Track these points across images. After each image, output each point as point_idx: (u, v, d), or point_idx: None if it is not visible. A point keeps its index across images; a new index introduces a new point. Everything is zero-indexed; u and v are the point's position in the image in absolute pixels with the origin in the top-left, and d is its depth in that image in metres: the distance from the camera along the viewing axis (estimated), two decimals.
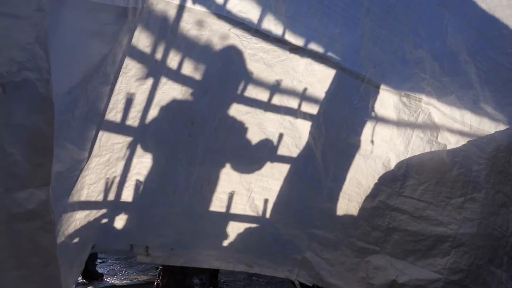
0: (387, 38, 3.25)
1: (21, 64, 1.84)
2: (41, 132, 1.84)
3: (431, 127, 3.39)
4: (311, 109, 3.37)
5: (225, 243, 3.40)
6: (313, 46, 3.15)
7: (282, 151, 3.36)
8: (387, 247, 3.29)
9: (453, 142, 3.37)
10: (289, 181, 3.39)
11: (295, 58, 3.14)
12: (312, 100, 3.33)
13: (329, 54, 3.18)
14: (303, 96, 3.31)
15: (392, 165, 3.42)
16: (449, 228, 3.16)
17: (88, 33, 2.27)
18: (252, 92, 3.17)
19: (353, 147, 3.44)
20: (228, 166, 3.28)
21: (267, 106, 3.23)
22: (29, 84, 1.84)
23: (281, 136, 3.33)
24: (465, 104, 3.38)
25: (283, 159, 3.39)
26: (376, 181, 3.41)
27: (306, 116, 3.34)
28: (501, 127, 3.42)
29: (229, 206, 3.35)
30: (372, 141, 3.45)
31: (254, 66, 3.07)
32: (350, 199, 3.46)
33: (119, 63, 2.54)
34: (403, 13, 3.20)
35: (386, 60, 3.30)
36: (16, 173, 1.81)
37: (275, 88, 3.22)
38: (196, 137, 3.11)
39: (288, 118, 3.32)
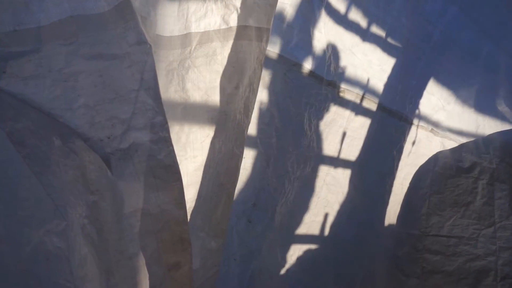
0: (424, 70, 3.01)
1: (126, 122, 1.25)
2: (172, 219, 1.22)
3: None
4: (352, 156, 2.89)
5: None
6: (358, 87, 2.72)
7: (320, 205, 2.76)
8: None
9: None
10: (329, 245, 2.84)
11: (343, 101, 2.67)
12: (354, 146, 2.87)
13: (372, 94, 2.79)
14: (346, 143, 2.84)
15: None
16: (488, 261, 3.04)
17: None
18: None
19: (388, 192, 3.13)
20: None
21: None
22: (142, 149, 1.24)
23: (321, 192, 2.75)
24: (495, 134, 3.26)
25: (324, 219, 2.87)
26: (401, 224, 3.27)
27: (347, 165, 2.87)
28: None
29: None
30: (403, 182, 3.22)
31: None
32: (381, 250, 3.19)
33: None
34: (441, 42, 2.98)
35: (422, 94, 3.09)
36: (146, 283, 1.20)
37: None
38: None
39: (331, 172, 2.77)
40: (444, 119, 3.26)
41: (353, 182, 2.86)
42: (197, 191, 1.75)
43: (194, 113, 1.67)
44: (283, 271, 2.56)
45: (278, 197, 2.39)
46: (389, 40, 2.76)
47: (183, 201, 1.28)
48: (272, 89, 2.23)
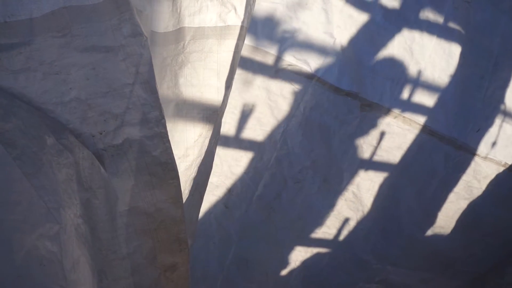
0: (491, 91, 2.51)
1: (120, 117, 1.20)
2: (168, 218, 1.17)
3: None
4: (381, 177, 2.59)
5: None
6: (393, 103, 2.41)
7: (335, 219, 2.60)
8: None
9: None
10: (340, 258, 2.70)
11: (368, 116, 2.38)
12: (384, 167, 2.56)
13: (415, 114, 2.45)
14: (374, 162, 2.54)
15: None
16: None
17: None
18: None
19: (429, 223, 2.74)
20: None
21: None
22: (136, 145, 1.19)
23: (339, 207, 2.59)
24: None
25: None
26: None
27: (373, 185, 2.58)
28: None
29: None
30: (453, 216, 2.81)
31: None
32: None
33: None
34: (503, 58, 2.48)
35: (493, 121, 2.60)
36: (140, 284, 1.15)
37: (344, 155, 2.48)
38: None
39: (353, 188, 2.56)
40: None
41: (377, 203, 2.62)
42: (183, 191, 1.70)
43: (187, 110, 1.63)
44: (285, 272, 2.49)
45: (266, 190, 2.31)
46: (439, 50, 2.40)
47: (180, 199, 1.24)
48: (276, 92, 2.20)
